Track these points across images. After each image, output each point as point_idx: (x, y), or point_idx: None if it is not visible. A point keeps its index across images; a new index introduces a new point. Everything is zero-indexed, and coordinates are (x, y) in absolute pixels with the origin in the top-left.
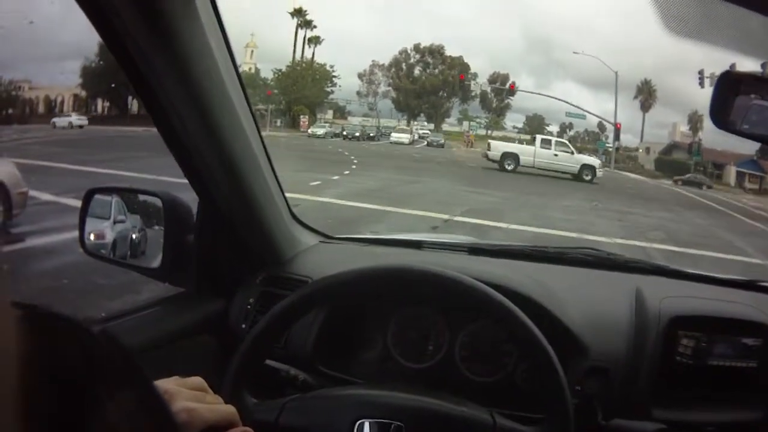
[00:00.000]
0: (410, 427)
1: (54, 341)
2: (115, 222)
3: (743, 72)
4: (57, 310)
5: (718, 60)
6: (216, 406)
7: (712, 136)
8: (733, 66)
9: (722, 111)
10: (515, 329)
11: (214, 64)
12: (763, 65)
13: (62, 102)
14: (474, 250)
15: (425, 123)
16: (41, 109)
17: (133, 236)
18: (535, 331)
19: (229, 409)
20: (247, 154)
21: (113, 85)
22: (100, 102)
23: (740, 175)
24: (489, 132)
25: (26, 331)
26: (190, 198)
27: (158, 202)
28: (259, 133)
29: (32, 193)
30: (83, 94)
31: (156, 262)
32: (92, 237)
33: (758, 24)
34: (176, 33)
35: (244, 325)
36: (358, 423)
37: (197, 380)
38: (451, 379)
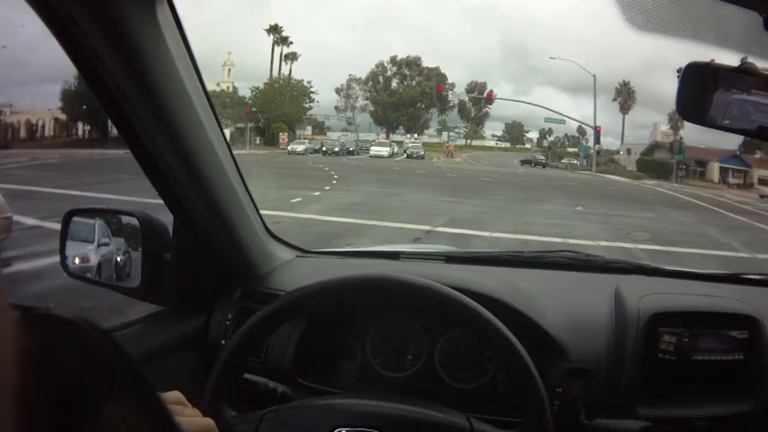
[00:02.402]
0: None
1: (53, 342)
2: (99, 245)
3: (718, 64)
4: (56, 312)
5: (697, 57)
6: (194, 419)
7: (693, 134)
8: (711, 62)
9: (698, 106)
10: (488, 333)
11: (182, 87)
12: (742, 60)
13: (43, 126)
14: (450, 259)
15: (416, 136)
16: (23, 133)
17: (118, 258)
18: (507, 334)
19: (208, 422)
20: (218, 174)
21: (84, 107)
22: (80, 125)
23: (724, 171)
24: (468, 141)
25: (25, 332)
26: (168, 217)
27: (135, 221)
28: (230, 152)
29: (16, 218)
30: (64, 117)
31: (136, 282)
32: (77, 261)
33: (732, 15)
34: (144, 58)
35: (223, 341)
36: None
37: (176, 394)
38: (432, 387)
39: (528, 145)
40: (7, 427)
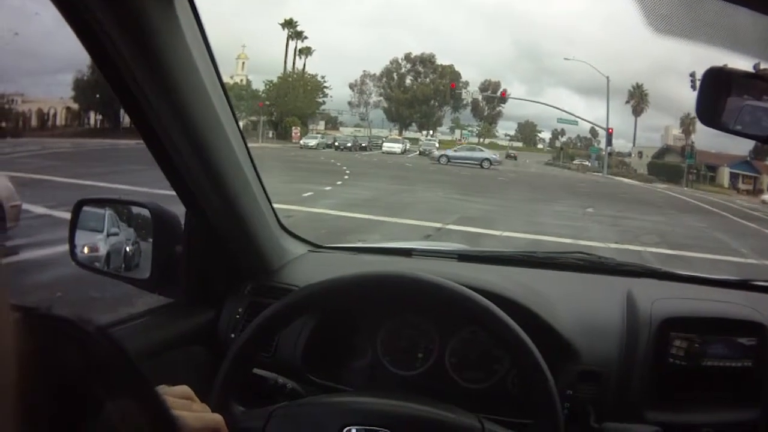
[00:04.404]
0: None
1: (54, 342)
2: (108, 235)
3: (732, 69)
4: (56, 312)
5: (710, 61)
6: (202, 414)
7: (705, 139)
8: (725, 67)
9: (713, 111)
10: (501, 333)
11: (198, 78)
12: (755, 66)
13: (55, 115)
14: (463, 257)
15: (432, 133)
16: (34, 122)
17: (127, 249)
18: (522, 335)
19: (216, 418)
20: (233, 166)
21: (98, 96)
22: (92, 115)
23: (734, 177)
24: (481, 140)
25: (26, 332)
26: (180, 209)
27: (147, 212)
28: (245, 144)
29: (26, 206)
30: (76, 106)
31: (146, 273)
32: (86, 250)
33: (747, 21)
34: (160, 48)
35: (233, 335)
36: (345, 430)
37: (184, 389)
38: (441, 386)
39: (540, 146)
40: (8, 427)
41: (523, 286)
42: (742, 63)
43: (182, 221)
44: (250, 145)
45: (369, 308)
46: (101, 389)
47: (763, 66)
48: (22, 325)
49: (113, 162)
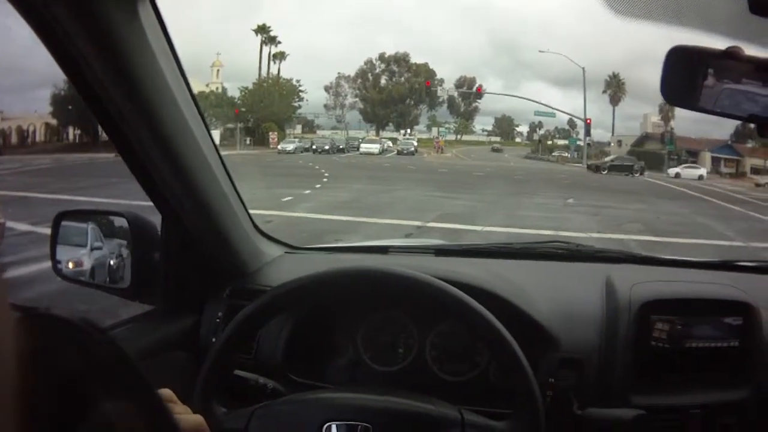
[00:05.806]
0: (377, 428)
1: (54, 342)
2: (92, 249)
3: (703, 48)
4: (56, 312)
5: (684, 43)
6: (184, 416)
7: (685, 125)
8: (696, 46)
9: (685, 91)
10: (476, 324)
11: (166, 88)
12: (729, 48)
13: (34, 131)
14: (440, 252)
15: (410, 131)
16: (14, 139)
17: (111, 262)
18: (497, 325)
19: (197, 419)
20: (204, 172)
21: (70, 107)
22: (71, 130)
23: (716, 161)
24: (458, 137)
25: (26, 332)
26: (158, 218)
27: (125, 222)
28: (217, 150)
29: (9, 224)
30: (54, 122)
31: (126, 282)
32: (71, 265)
33: (721, 3)
34: (127, 60)
35: (214, 339)
36: (325, 426)
37: (165, 392)
38: (423, 380)
39: (518, 139)
40: (8, 427)
41: (500, 277)
42: (715, 43)
43: (159, 228)
44: (228, 152)
45: (348, 306)
46: (101, 389)
47: (736, 45)
48: (22, 325)
49: (93, 176)
